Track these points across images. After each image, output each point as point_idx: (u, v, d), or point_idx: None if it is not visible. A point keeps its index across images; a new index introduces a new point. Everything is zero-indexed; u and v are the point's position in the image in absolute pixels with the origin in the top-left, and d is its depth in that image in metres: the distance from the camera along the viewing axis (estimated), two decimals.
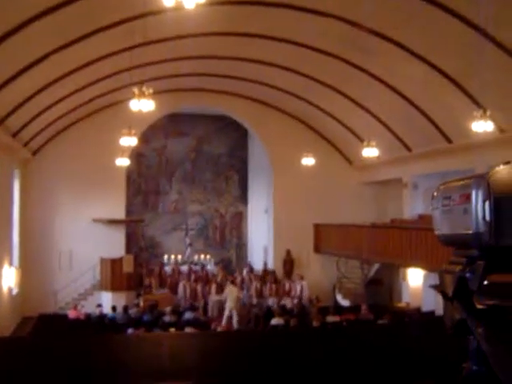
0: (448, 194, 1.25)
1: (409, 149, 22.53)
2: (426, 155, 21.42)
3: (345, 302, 24.72)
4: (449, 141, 19.87)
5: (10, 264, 21.44)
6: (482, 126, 13.99)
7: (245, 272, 26.09)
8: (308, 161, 23.82)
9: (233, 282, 23.36)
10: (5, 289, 20.68)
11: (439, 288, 1.29)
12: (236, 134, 30.33)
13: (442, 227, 1.28)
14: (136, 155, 25.22)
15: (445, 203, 1.26)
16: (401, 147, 22.66)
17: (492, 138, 16.30)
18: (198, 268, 26.91)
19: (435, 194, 1.30)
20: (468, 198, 1.17)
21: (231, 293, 21.79)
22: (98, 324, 19.56)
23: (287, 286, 24.70)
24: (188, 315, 20.14)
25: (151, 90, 15.39)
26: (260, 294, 24.00)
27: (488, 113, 13.89)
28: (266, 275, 25.53)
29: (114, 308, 21.43)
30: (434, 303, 20.76)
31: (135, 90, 15.27)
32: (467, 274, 1.21)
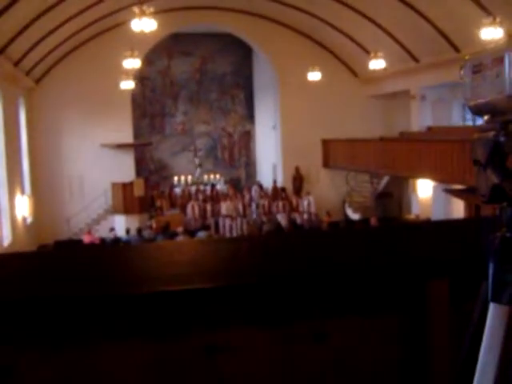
0: (478, 61, 1.24)
1: (416, 60, 22.17)
2: (433, 66, 21.07)
3: (355, 216, 24.97)
4: (457, 50, 19.52)
5: (23, 193, 21.64)
6: (492, 32, 13.73)
7: (253, 190, 26.32)
8: (314, 75, 23.58)
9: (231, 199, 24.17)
10: (19, 218, 20.94)
11: (472, 156, 1.29)
12: (240, 52, 29.85)
13: (472, 96, 1.27)
14: (140, 78, 24.96)
15: (475, 70, 1.24)
16: (408, 58, 22.29)
17: (501, 44, 16.00)
18: (207, 188, 27.13)
19: (464, 64, 1.29)
20: (501, 61, 1.16)
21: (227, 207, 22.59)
22: (113, 246, 19.90)
23: (295, 201, 24.98)
24: (201, 234, 20.45)
25: (152, 9, 15.12)
26: (269, 211, 24.32)
27: (498, 19, 13.60)
28: (276, 192, 25.77)
29: (127, 231, 21.81)
30: (444, 214, 20.96)
31: (136, 9, 15.01)
32: (501, 138, 1.22)
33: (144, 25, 15.07)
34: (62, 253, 2.80)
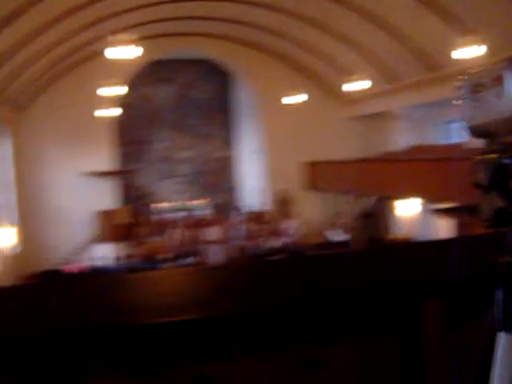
0: (477, 81, 1.20)
1: (395, 80, 22.34)
2: (413, 86, 21.25)
3: (341, 237, 24.93)
4: (436, 69, 19.71)
5: (10, 223, 21.50)
6: (472, 51, 13.87)
7: (237, 215, 26.28)
8: (294, 99, 23.68)
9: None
10: (7, 248, 20.79)
11: (472, 180, 1.25)
12: (221, 78, 29.93)
13: (472, 118, 1.23)
14: (122, 105, 24.89)
15: (475, 90, 1.20)
16: (387, 79, 22.47)
17: (478, 63, 16.16)
18: (191, 214, 27.02)
19: (460, 83, 1.25)
20: (500, 80, 1.12)
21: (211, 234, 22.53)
22: (98, 277, 19.71)
23: (281, 225, 24.94)
24: (189, 260, 20.35)
25: (128, 37, 15.13)
26: (252, 236, 24.23)
27: (476, 39, 13.75)
28: (260, 216, 25.72)
29: (113, 259, 21.64)
30: (428, 234, 21.01)
31: (111, 37, 15.01)
32: (505, 160, 1.18)
33: (120, 53, 15.09)
34: (42, 287, 2.72)
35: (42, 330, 1.90)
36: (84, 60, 23.98)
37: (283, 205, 26.48)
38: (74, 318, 2.01)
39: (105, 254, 22.86)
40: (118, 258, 21.26)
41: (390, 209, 24.50)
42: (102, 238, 24.27)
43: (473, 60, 14.69)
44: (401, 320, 2.01)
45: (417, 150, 22.34)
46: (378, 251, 3.13)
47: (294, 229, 24.48)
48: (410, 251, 2.89)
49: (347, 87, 21.34)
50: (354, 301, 2.05)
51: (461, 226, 11.45)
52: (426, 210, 21.09)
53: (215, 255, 22.67)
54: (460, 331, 1.93)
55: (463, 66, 16.00)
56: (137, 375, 1.90)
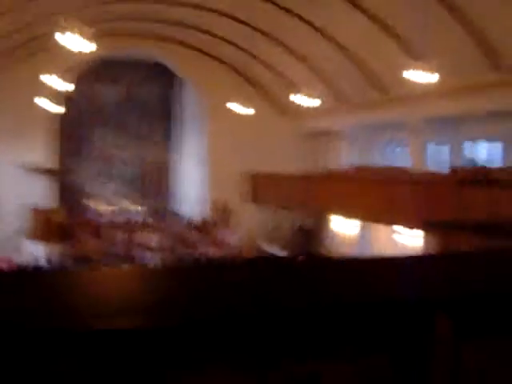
0: None
1: (344, 99, 22.62)
2: (362, 106, 21.57)
3: (276, 251, 24.96)
4: (385, 92, 20.05)
5: None
6: (420, 76, 14.12)
7: (173, 221, 26.07)
8: (242, 110, 23.61)
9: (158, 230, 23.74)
10: None
11: None
12: (167, 82, 29.73)
13: None
14: (66, 100, 24.32)
15: None
16: (336, 97, 22.73)
17: (427, 90, 16.49)
18: (130, 217, 26.59)
19: None
20: None
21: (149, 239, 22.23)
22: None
23: (219, 235, 24.81)
24: (121, 265, 19.96)
25: (81, 26, 14.70)
26: (192, 245, 24.02)
27: (428, 65, 14.01)
28: (202, 225, 25.54)
29: (47, 261, 21.00)
30: (365, 252, 21.28)
31: (62, 21, 14.47)
32: None
33: (70, 42, 14.62)
34: None
35: None
36: (32, 51, 23.32)
37: (222, 214, 26.35)
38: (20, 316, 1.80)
39: (36, 252, 22.17)
40: (49, 260, 20.64)
41: (329, 226, 24.69)
42: (35, 235, 23.57)
43: (422, 84, 14.97)
44: (407, 336, 1.93)
45: (360, 170, 22.60)
46: (385, 261, 3.06)
47: (233, 240, 24.37)
48: (416, 265, 2.83)
49: (295, 101, 21.46)
50: (357, 313, 1.96)
51: (443, 243, 11.64)
52: (363, 229, 21.37)
53: (151, 261, 22.32)
54: (464, 347, 1.88)
55: (412, 89, 16.32)
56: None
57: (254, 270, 2.80)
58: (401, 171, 20.79)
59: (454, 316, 1.91)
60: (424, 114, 18.46)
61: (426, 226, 13.02)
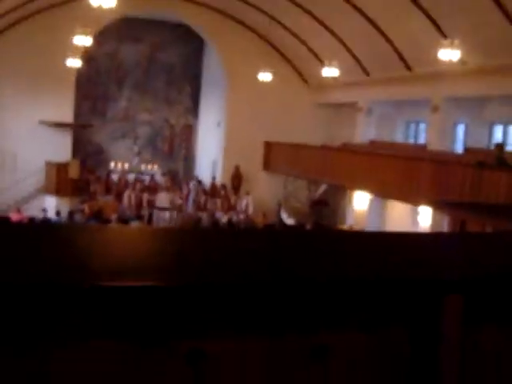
0: None
1: (367, 73, 22.39)
2: (384, 81, 21.33)
3: (289, 221, 25.00)
4: (408, 68, 19.81)
5: None
6: (448, 54, 13.94)
7: (192, 184, 26.05)
8: (264, 76, 23.46)
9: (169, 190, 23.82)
10: None
11: None
12: (192, 44, 29.46)
13: None
14: (87, 58, 24.24)
15: None
16: (359, 71, 22.49)
17: (452, 68, 16.29)
18: (144, 177, 26.65)
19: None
20: None
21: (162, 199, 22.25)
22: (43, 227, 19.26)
23: (233, 200, 24.84)
24: (133, 224, 20.04)
25: None
26: (205, 208, 24.09)
27: (456, 42, 13.82)
28: (215, 189, 25.56)
29: (58, 213, 21.15)
30: (379, 227, 21.26)
31: None
32: None
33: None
34: None
35: None
36: (54, 5, 23.19)
37: (238, 180, 26.36)
38: (20, 271, 1.77)
39: (51, 206, 22.34)
40: (63, 213, 20.79)
41: (342, 199, 24.65)
42: (50, 189, 23.74)
43: (448, 62, 14.78)
44: (418, 314, 1.92)
45: (375, 145, 22.49)
46: (401, 236, 3.03)
47: (248, 205, 24.40)
48: (433, 243, 2.81)
49: (318, 72, 21.28)
50: (372, 287, 1.94)
51: (455, 223, 11.61)
52: (376, 203, 21.30)
53: (165, 222, 22.46)
54: (473, 329, 1.88)
55: (438, 67, 16.12)
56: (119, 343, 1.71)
57: (269, 237, 2.79)
58: (418, 149, 20.67)
59: (471, 297, 1.89)
60: (448, 93, 18.23)
61: (443, 204, 12.96)
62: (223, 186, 25.50)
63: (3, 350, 1.57)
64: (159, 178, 27.31)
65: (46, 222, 19.04)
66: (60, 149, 24.34)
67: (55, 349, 1.62)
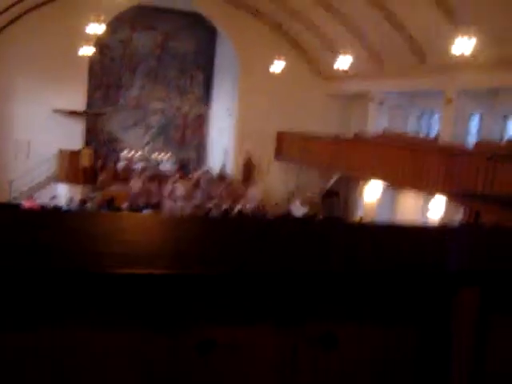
0: None
1: (380, 63, 22.27)
2: (397, 72, 21.22)
3: (301, 210, 24.94)
4: (422, 59, 19.68)
5: None
6: (462, 46, 13.83)
7: (202, 173, 26.07)
8: (277, 65, 23.41)
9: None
10: None
11: None
12: (205, 33, 29.39)
13: None
14: (100, 46, 24.27)
15: None
16: (372, 61, 22.37)
17: (466, 60, 16.15)
18: (156, 166, 26.71)
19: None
20: None
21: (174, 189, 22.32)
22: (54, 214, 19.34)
23: (243, 190, 24.83)
24: (146, 211, 20.07)
25: None
26: (216, 197, 24.08)
27: (470, 32, 13.70)
28: (225, 178, 25.58)
29: (70, 200, 21.23)
30: (389, 218, 21.19)
31: None
32: None
33: None
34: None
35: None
36: None
37: (250, 170, 26.36)
38: (32, 257, 1.77)
39: (63, 194, 22.45)
40: (75, 201, 20.86)
41: (353, 190, 24.59)
42: (62, 177, 23.84)
43: (461, 55, 14.67)
44: (432, 305, 1.91)
45: (387, 135, 22.40)
46: (416, 230, 3.01)
47: (256, 196, 24.37)
48: (447, 235, 2.79)
49: (332, 63, 21.19)
50: (384, 279, 1.93)
51: (470, 214, 11.60)
52: (388, 194, 21.24)
53: (176, 210, 22.47)
54: (488, 321, 1.87)
55: (452, 58, 15.99)
56: (131, 330, 1.72)
57: (282, 227, 2.79)
58: (431, 140, 20.59)
59: (485, 290, 1.89)
60: (461, 85, 18.11)
61: (459, 195, 12.95)
62: (233, 176, 25.50)
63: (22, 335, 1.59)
64: (169, 167, 27.34)
65: (57, 209, 19.09)
66: (73, 137, 24.45)
67: (67, 334, 1.63)
